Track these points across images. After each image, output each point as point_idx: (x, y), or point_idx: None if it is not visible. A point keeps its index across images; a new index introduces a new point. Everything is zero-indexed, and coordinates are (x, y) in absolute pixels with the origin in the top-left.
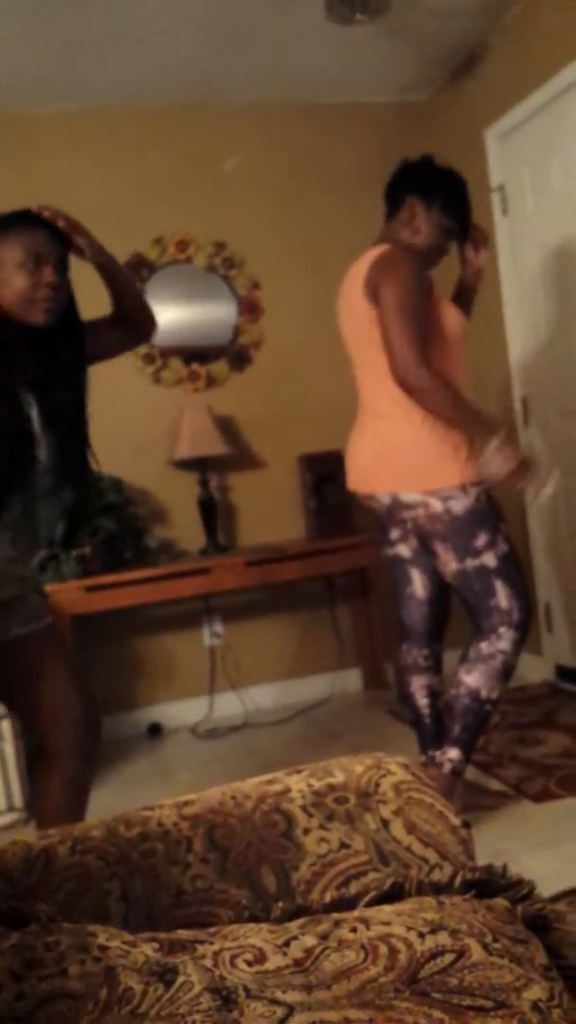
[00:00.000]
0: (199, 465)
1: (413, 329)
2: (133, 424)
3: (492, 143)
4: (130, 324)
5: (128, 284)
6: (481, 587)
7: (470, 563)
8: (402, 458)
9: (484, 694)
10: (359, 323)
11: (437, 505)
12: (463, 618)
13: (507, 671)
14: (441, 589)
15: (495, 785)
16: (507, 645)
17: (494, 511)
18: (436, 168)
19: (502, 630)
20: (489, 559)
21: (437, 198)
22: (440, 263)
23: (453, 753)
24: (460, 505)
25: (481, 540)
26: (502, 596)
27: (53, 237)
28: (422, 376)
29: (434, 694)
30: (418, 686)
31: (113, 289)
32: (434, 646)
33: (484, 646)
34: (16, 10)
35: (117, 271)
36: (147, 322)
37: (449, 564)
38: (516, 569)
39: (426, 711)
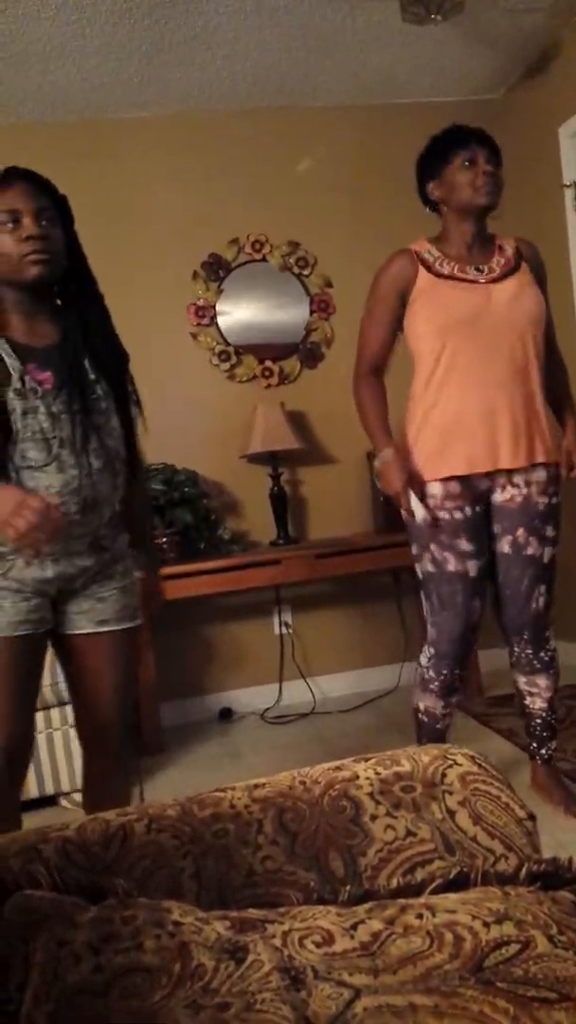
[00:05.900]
0: (271, 459)
1: (360, 341)
2: (208, 419)
3: (565, 140)
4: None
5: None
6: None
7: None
8: None
9: (414, 702)
10: None
11: None
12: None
13: (422, 681)
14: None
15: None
16: (423, 658)
17: (427, 531)
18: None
19: (425, 643)
20: (418, 570)
21: (425, 171)
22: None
23: None
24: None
25: (414, 548)
26: (425, 610)
27: (32, 186)
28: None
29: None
30: None
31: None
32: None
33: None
34: (101, 18)
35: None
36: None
37: None
38: (438, 595)
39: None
